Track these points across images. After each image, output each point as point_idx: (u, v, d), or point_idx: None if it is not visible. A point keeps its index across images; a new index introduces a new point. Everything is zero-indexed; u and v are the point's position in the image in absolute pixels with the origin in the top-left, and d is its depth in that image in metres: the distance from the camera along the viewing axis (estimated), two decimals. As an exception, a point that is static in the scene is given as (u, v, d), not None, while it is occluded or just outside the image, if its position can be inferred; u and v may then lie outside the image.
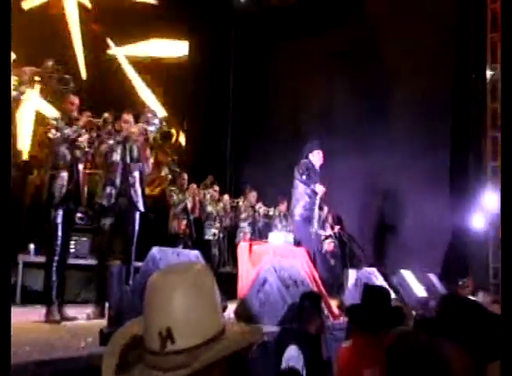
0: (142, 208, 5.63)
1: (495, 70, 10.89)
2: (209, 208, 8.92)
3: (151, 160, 5.88)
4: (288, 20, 13.12)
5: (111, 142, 5.60)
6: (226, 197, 9.74)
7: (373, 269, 8.06)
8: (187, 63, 12.56)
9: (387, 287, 7.16)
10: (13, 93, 4.54)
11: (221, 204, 9.30)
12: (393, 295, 8.01)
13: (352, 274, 7.94)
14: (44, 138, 5.27)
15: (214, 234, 8.79)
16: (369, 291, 3.40)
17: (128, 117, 5.75)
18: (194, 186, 8.84)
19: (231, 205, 9.74)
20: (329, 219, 11.24)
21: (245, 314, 5.66)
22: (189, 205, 8.44)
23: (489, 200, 10.37)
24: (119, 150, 5.59)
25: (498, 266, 10.15)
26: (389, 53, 12.00)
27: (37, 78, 4.68)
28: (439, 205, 10.78)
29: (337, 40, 12.54)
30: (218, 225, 9.02)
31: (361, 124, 11.91)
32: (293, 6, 13.20)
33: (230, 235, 9.65)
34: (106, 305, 4.84)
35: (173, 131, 6.57)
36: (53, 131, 5.18)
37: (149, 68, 11.56)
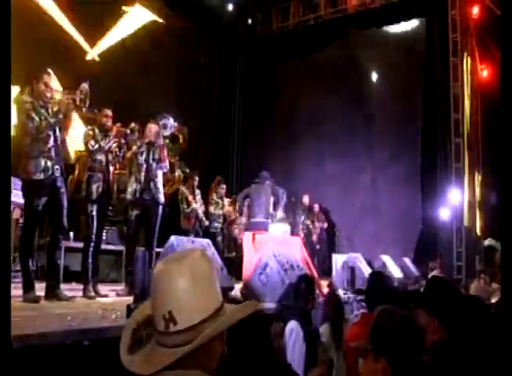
0: (162, 200, 5.62)
1: (456, 88, 10.92)
2: (211, 209, 8.72)
3: (167, 161, 5.83)
4: (285, 44, 13.13)
5: (136, 147, 5.60)
6: (226, 200, 9.46)
7: (358, 255, 8.00)
8: (199, 77, 12.29)
9: (369, 270, 7.20)
10: (51, 120, 4.49)
11: (224, 203, 9.12)
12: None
13: (340, 258, 7.86)
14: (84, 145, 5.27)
15: (216, 228, 8.61)
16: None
17: (153, 126, 5.72)
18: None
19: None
20: (316, 209, 11.15)
21: (249, 293, 5.63)
22: (200, 211, 8.35)
23: (453, 195, 10.40)
24: (144, 154, 5.58)
25: (461, 251, 10.27)
26: (370, 71, 12.01)
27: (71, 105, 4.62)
28: (412, 200, 10.80)
29: (327, 60, 12.53)
30: (220, 220, 8.85)
31: (345, 132, 11.90)
32: (291, 32, 13.25)
33: (232, 228, 9.52)
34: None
35: (180, 135, 6.46)
36: (92, 142, 5.21)
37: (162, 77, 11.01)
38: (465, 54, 11.14)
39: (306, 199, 10.85)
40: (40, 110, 4.44)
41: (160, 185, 5.64)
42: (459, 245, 10.23)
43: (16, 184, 6.13)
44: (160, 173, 5.68)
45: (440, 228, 10.46)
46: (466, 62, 11.15)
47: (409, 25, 11.73)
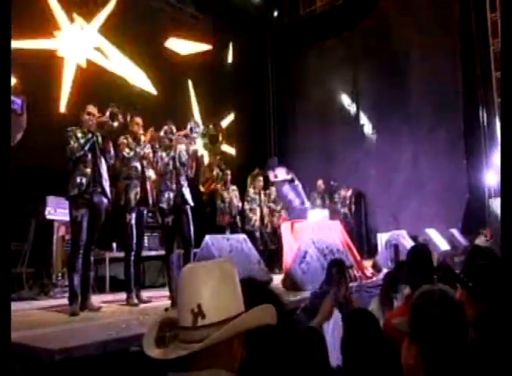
0: (192, 203, 5.55)
1: (496, 45, 10.38)
2: (246, 206, 8.64)
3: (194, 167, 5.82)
4: (315, 26, 12.95)
5: (166, 155, 5.63)
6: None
7: (401, 231, 7.86)
8: (231, 67, 12.34)
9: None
10: (82, 142, 4.73)
11: (261, 198, 8.99)
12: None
13: (384, 237, 7.74)
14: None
15: (253, 226, 8.48)
16: None
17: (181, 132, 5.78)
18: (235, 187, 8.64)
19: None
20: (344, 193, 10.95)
21: (290, 282, 5.69)
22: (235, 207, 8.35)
23: (500, 157, 9.93)
24: (172, 159, 5.55)
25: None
26: (403, 40, 11.62)
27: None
28: (456, 168, 10.33)
29: (358, 34, 12.33)
30: (257, 218, 8.68)
31: (382, 106, 11.61)
32: (319, 15, 13.12)
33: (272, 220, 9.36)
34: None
35: (219, 134, 6.46)
36: (127, 150, 5.31)
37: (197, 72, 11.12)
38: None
39: (344, 192, 10.61)
40: (79, 135, 4.70)
41: (187, 188, 5.59)
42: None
43: (60, 203, 6.52)
44: (185, 177, 5.62)
45: (488, 194, 10.04)
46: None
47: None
